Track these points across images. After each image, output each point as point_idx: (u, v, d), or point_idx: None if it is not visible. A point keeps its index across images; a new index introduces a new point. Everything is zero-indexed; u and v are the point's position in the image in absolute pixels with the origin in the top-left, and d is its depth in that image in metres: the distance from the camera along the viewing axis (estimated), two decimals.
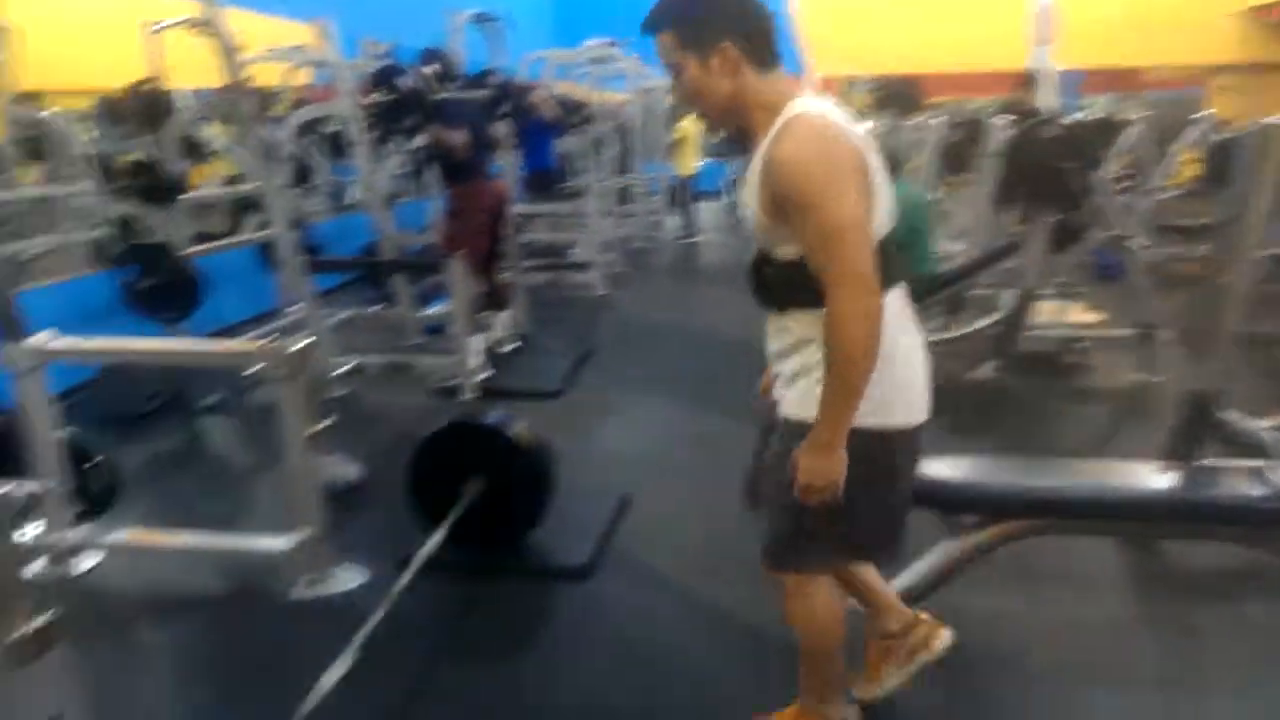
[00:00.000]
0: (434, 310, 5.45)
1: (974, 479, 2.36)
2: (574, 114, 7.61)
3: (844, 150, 1.55)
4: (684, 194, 10.57)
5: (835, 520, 1.66)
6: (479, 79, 6.33)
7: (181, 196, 4.44)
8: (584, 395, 4.74)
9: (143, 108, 5.40)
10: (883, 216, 1.62)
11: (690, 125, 10.38)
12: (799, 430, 1.63)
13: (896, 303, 1.66)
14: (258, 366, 4.58)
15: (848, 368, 1.54)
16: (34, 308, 2.98)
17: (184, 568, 2.88)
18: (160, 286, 3.94)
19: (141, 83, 5.86)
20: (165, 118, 5.29)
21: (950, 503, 2.37)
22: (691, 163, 10.69)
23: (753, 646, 2.42)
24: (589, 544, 2.92)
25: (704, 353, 5.77)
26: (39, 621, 1.56)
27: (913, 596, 2.46)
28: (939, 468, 2.41)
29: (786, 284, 1.66)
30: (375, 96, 4.79)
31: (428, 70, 5.04)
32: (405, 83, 4.84)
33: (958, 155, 5.73)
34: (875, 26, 12.11)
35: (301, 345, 2.46)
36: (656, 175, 11.10)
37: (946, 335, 5.40)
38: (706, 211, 11.36)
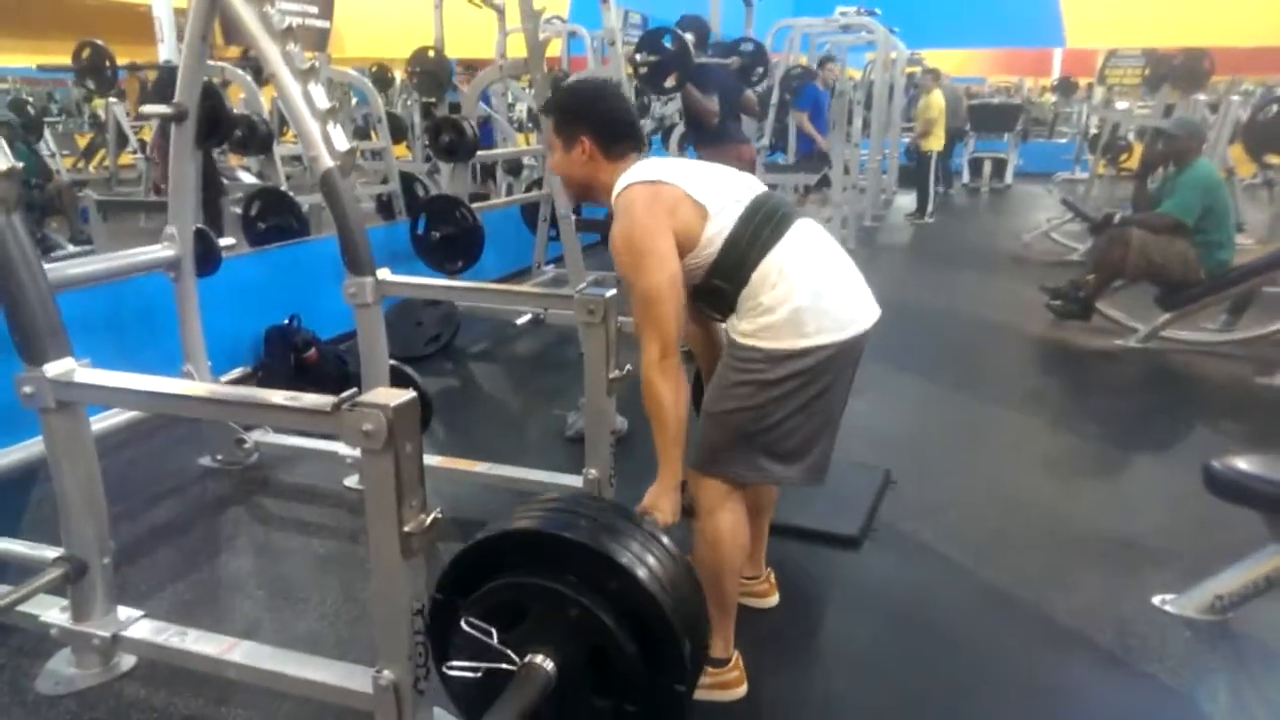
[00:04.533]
0: None
1: None
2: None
3: (658, 210, 1.84)
4: (924, 171, 10.05)
5: (761, 428, 1.89)
6: (731, 46, 6.44)
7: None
8: None
9: (432, 72, 5.89)
10: (727, 211, 1.88)
11: (940, 100, 9.91)
12: (740, 349, 1.89)
13: (797, 247, 1.87)
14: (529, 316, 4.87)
15: (659, 411, 1.84)
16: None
17: (473, 494, 3.16)
18: (450, 237, 4.27)
19: (426, 49, 6.39)
20: (449, 84, 5.74)
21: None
22: (940, 138, 10.15)
23: (1031, 628, 2.40)
24: (858, 515, 2.94)
25: (946, 335, 5.60)
26: (429, 518, 1.78)
27: (1226, 605, 2.31)
28: (1271, 464, 2.25)
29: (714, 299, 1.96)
30: (640, 57, 4.97)
31: (687, 35, 5.17)
32: (667, 46, 4.99)
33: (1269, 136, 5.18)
34: None
35: (609, 294, 2.60)
36: (887, 151, 10.75)
37: (1230, 336, 4.95)
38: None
